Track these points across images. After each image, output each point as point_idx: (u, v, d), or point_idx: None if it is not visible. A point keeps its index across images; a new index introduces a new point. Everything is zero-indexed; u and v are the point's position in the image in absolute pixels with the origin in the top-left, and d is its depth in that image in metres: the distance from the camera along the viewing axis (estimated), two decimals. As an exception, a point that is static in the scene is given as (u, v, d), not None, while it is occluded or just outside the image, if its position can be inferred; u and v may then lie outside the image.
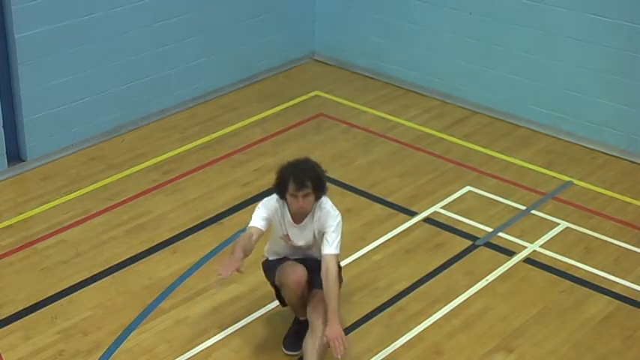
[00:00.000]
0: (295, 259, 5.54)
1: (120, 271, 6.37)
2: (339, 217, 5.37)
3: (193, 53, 8.47)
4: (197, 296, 6.11)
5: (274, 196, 5.44)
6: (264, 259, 5.70)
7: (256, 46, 8.96)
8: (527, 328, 5.92)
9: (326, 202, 5.41)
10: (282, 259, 5.57)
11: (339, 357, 5.10)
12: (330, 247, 5.29)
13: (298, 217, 5.40)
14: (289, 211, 5.39)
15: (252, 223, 5.37)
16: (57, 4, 7.35)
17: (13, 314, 5.95)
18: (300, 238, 5.45)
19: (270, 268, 5.62)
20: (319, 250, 5.38)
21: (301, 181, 5.23)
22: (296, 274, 5.38)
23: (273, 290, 5.71)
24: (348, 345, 5.16)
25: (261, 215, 5.37)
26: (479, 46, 8.43)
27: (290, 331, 5.68)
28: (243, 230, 5.45)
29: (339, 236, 5.34)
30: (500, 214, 7.07)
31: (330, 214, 5.36)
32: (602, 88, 7.85)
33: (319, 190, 5.33)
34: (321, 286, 5.32)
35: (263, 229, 5.37)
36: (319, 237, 5.38)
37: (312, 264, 5.46)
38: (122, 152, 7.83)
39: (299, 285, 5.39)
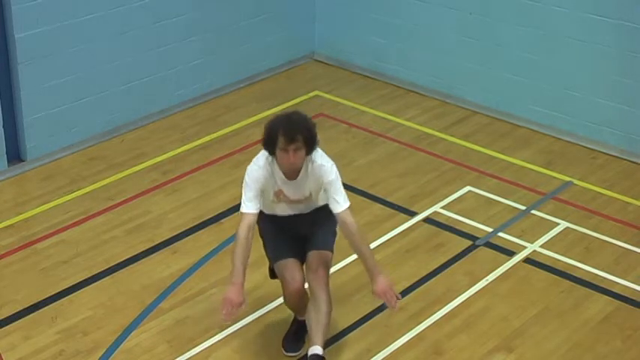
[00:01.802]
0: (289, 216, 5.34)
1: (120, 271, 6.37)
2: (334, 167, 5.16)
3: (193, 53, 8.47)
4: (197, 296, 6.11)
5: (260, 162, 5.18)
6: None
7: (256, 46, 8.95)
8: (527, 328, 5.92)
9: (315, 154, 5.13)
10: (276, 221, 5.37)
11: (396, 309, 5.10)
12: (338, 205, 5.10)
13: (291, 174, 5.17)
14: (280, 169, 5.16)
15: (244, 209, 5.14)
16: (57, 4, 7.35)
17: (13, 314, 5.95)
18: (295, 193, 5.23)
19: (266, 237, 5.42)
20: (315, 202, 5.26)
21: (292, 135, 4.96)
22: (295, 281, 5.29)
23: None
24: (398, 295, 5.11)
25: (250, 195, 5.14)
26: (479, 46, 8.42)
27: (289, 331, 5.66)
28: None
29: (341, 185, 5.13)
30: (500, 214, 7.07)
31: (323, 168, 5.12)
32: (602, 88, 7.85)
33: (310, 145, 5.07)
34: (318, 246, 5.26)
35: (257, 210, 5.15)
36: (315, 193, 5.20)
37: (306, 219, 5.33)
38: (122, 152, 7.82)
39: (298, 292, 5.34)
